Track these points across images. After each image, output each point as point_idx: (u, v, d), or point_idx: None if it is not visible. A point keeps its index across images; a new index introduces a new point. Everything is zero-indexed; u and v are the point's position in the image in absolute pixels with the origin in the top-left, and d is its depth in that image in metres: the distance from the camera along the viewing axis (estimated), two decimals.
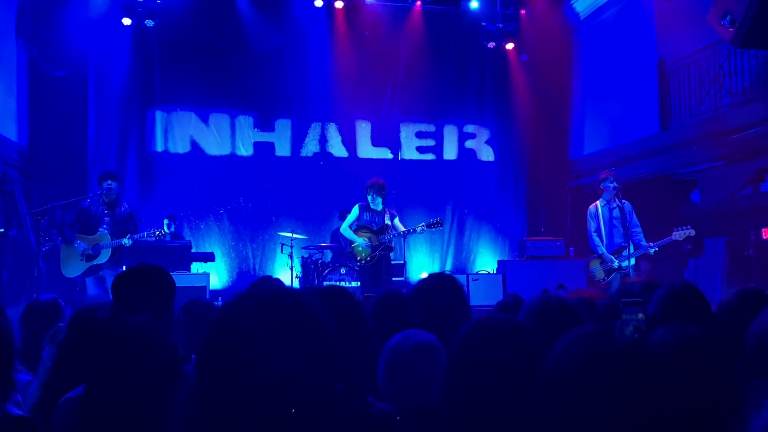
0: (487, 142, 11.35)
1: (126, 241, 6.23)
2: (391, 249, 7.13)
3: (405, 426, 1.84)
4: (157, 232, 6.50)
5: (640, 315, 1.37)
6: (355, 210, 7.08)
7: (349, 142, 10.79)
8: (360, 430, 1.69)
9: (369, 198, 6.97)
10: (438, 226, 7.19)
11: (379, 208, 6.99)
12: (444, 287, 2.89)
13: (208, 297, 7.20)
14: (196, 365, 1.04)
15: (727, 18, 6.04)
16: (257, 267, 10.18)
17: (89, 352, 1.54)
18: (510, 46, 11.06)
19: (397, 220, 7.13)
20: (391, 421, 1.81)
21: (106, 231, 6.37)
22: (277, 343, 0.98)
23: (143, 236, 6.38)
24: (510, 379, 1.44)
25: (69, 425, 1.61)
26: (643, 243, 6.51)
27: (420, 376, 1.98)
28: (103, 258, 6.31)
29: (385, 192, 6.97)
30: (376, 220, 7.02)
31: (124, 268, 6.44)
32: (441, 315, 2.57)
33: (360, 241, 6.93)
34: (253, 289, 1.09)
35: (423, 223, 7.07)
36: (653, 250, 6.45)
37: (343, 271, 7.93)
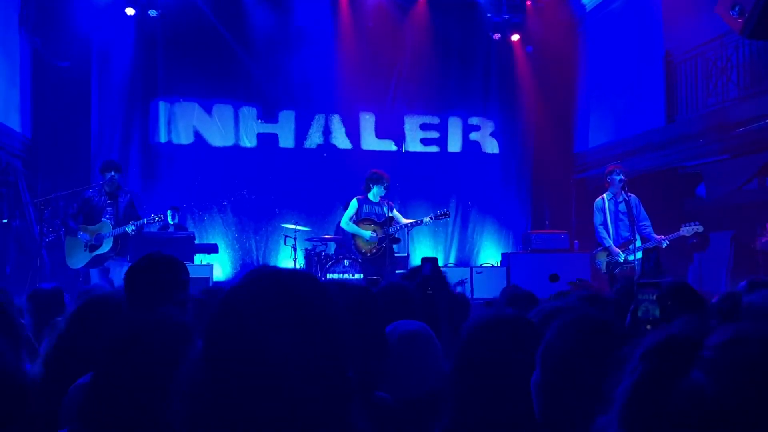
0: (492, 135, 11.30)
1: (129, 229, 6.23)
2: (397, 241, 7.09)
3: (403, 416, 1.83)
4: (157, 218, 6.51)
5: (654, 296, 1.35)
6: (354, 203, 7.03)
7: (353, 134, 10.75)
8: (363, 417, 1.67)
9: (374, 189, 6.91)
10: (445, 217, 7.16)
11: (377, 199, 6.95)
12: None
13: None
14: (202, 350, 1.01)
15: (736, 8, 5.97)
16: (260, 259, 10.17)
17: (105, 342, 1.52)
18: (515, 37, 11.00)
19: (395, 211, 7.09)
20: (390, 409, 1.80)
21: (108, 220, 6.37)
22: (285, 325, 0.94)
23: (143, 222, 6.37)
24: (519, 375, 1.42)
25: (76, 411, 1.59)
26: (654, 235, 6.47)
27: (410, 365, 1.99)
28: (106, 247, 6.32)
29: (385, 181, 6.93)
30: (377, 211, 6.97)
31: (128, 258, 6.45)
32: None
33: (366, 233, 6.88)
34: (259, 271, 1.05)
35: (431, 214, 7.04)
36: (665, 243, 6.41)
37: (346, 263, 7.90)
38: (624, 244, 6.53)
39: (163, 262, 2.36)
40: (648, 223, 6.57)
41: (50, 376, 2.00)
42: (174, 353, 1.46)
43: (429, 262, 3.31)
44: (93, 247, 6.32)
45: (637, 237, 6.45)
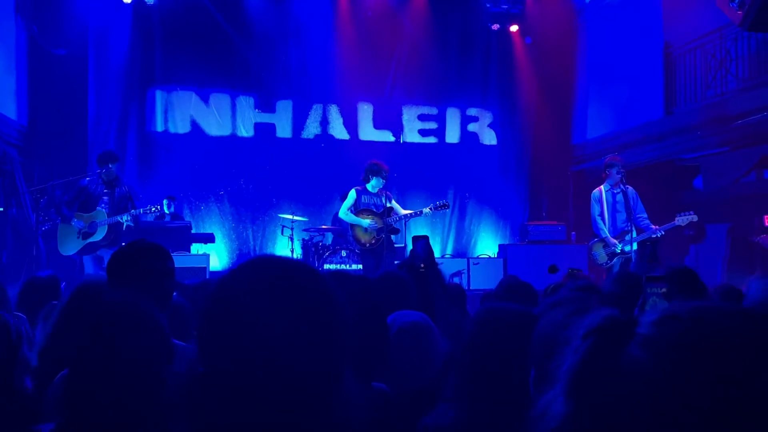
0: (490, 126, 11.28)
1: (125, 218, 6.21)
2: (395, 231, 7.06)
3: (402, 407, 1.82)
4: (153, 209, 6.49)
5: (663, 290, 1.34)
6: (352, 194, 6.98)
7: (351, 124, 10.72)
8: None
9: (373, 181, 6.87)
10: (444, 209, 7.14)
11: (375, 191, 6.91)
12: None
13: (207, 278, 7.20)
14: (196, 341, 0.99)
15: (736, 0, 5.95)
16: (257, 249, 10.16)
17: (78, 331, 1.51)
18: (514, 28, 10.97)
19: (394, 201, 7.06)
20: (389, 401, 1.79)
21: (103, 209, 6.35)
22: (279, 310, 0.93)
23: (139, 212, 6.35)
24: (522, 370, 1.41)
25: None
26: (651, 226, 6.48)
27: (409, 357, 1.98)
28: (99, 235, 6.30)
29: (385, 174, 6.89)
30: (376, 202, 6.94)
31: None
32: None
33: (365, 222, 6.85)
34: (253, 258, 1.03)
35: (431, 205, 7.01)
36: (660, 233, 6.41)
37: (344, 254, 7.89)
38: (620, 234, 6.53)
39: (146, 250, 2.31)
40: (645, 215, 6.58)
41: (44, 364, 1.99)
42: (139, 339, 1.46)
43: (420, 240, 3.29)
44: (86, 235, 6.31)
45: (633, 228, 6.45)
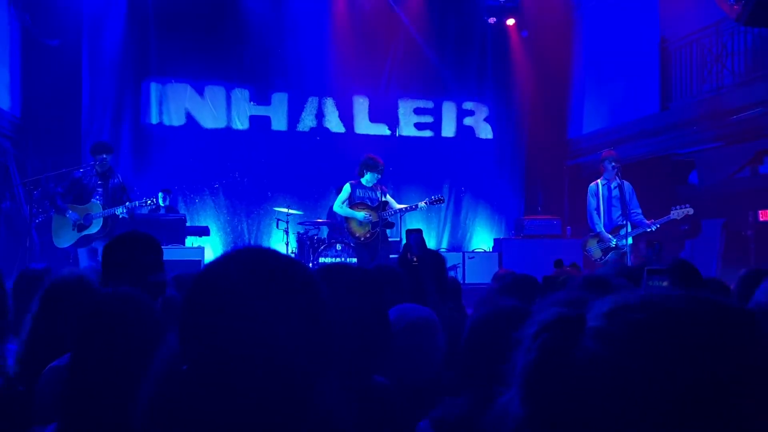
0: (486, 120, 11.27)
1: (120, 210, 6.18)
2: (390, 225, 7.04)
3: (404, 401, 1.81)
4: (149, 201, 6.47)
5: (665, 283, 1.32)
6: (347, 188, 6.96)
7: (347, 117, 10.69)
8: (358, 403, 1.66)
9: (368, 176, 6.84)
10: (440, 203, 7.13)
11: (370, 185, 6.89)
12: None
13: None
14: (178, 331, 0.97)
15: None
16: (252, 242, 10.13)
17: (74, 323, 1.50)
18: (511, 21, 10.94)
19: (389, 195, 7.04)
20: (390, 395, 1.78)
21: (98, 201, 6.32)
22: (266, 305, 0.92)
23: (135, 205, 6.33)
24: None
25: (55, 394, 1.58)
26: (645, 221, 6.47)
27: (415, 352, 1.97)
28: (95, 228, 6.27)
29: (380, 169, 6.86)
30: (371, 196, 6.92)
31: None
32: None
33: (360, 215, 6.83)
34: (235, 249, 1.02)
35: (426, 200, 7.00)
36: (655, 227, 6.41)
37: (339, 247, 7.88)
38: (615, 229, 6.53)
39: (137, 241, 2.32)
40: (639, 211, 6.57)
41: (26, 357, 1.99)
42: (139, 330, 1.45)
43: (414, 233, 3.27)
44: (81, 227, 6.28)
45: (629, 223, 6.44)
